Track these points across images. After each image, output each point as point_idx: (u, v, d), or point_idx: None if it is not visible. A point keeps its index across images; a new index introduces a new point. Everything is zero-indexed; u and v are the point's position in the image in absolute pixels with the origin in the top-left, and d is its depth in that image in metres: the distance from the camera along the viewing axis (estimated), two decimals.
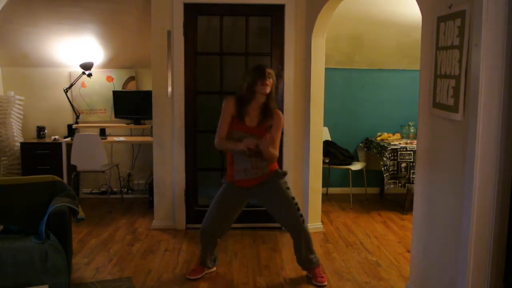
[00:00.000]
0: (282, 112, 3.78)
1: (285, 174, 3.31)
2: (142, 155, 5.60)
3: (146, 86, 5.48)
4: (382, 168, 5.03)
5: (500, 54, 2.21)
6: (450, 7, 2.48)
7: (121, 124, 5.44)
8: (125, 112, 5.39)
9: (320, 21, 4.12)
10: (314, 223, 4.41)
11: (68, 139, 5.20)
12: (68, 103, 5.35)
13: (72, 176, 5.13)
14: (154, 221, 4.51)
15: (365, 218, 4.90)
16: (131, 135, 5.62)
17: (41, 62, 5.38)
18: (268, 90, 3.13)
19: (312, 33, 4.19)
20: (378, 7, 5.01)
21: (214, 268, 3.56)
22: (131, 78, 5.53)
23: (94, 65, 5.29)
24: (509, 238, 2.33)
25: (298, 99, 4.37)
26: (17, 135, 5.29)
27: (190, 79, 4.34)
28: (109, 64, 5.46)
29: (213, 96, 4.45)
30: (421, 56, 2.85)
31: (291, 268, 3.60)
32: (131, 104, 5.37)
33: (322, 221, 4.56)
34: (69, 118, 5.51)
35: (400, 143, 5.08)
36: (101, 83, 5.50)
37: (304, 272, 3.46)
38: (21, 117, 5.35)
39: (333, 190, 5.80)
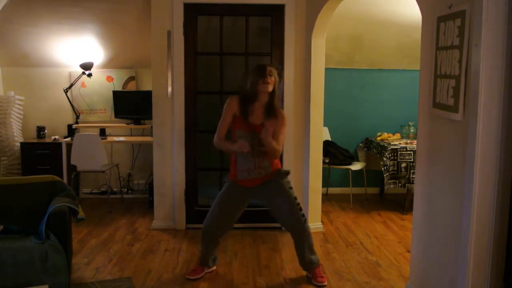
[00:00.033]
0: None
1: (287, 173, 3.30)
2: (142, 155, 5.60)
3: (146, 86, 5.48)
4: (382, 168, 5.03)
5: (500, 54, 2.21)
6: (450, 7, 2.48)
7: (121, 124, 5.44)
8: (125, 112, 5.39)
9: (320, 21, 4.12)
10: (314, 223, 4.41)
11: (68, 139, 5.20)
12: (68, 103, 5.35)
13: (72, 176, 5.13)
14: (154, 221, 4.51)
15: (365, 218, 4.90)
16: (131, 135, 5.62)
17: (41, 62, 5.38)
18: (270, 88, 3.13)
19: (312, 33, 4.19)
20: (378, 7, 5.01)
21: (214, 267, 3.56)
22: (131, 78, 5.53)
23: (94, 65, 5.29)
24: (509, 238, 2.33)
25: (298, 99, 4.37)
26: (17, 135, 5.29)
27: (190, 79, 4.34)
28: (109, 64, 5.46)
29: (213, 96, 4.45)
30: (421, 56, 2.85)
31: (291, 268, 3.60)
32: (131, 104, 5.37)
33: (322, 221, 4.57)
34: (69, 118, 5.51)
35: (400, 143, 5.08)
36: (101, 83, 5.50)
37: (304, 272, 3.46)
38: (21, 117, 5.35)
39: (333, 190, 5.80)
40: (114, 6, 4.78)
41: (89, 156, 4.95)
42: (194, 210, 4.46)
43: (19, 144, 5.22)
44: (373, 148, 5.45)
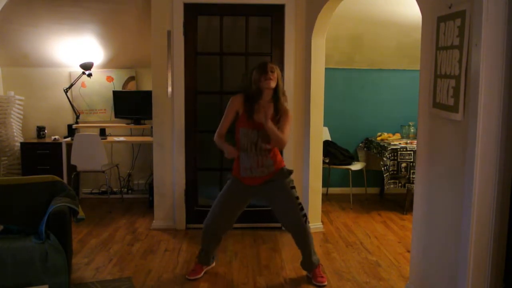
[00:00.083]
0: None
1: (290, 172, 3.30)
2: (142, 155, 5.60)
3: (146, 86, 5.48)
4: (382, 168, 5.03)
5: (500, 54, 2.21)
6: (450, 7, 2.49)
7: (121, 124, 5.44)
8: (125, 112, 5.39)
9: (320, 21, 4.12)
10: (314, 223, 4.41)
11: (68, 139, 5.20)
12: (68, 103, 5.35)
13: (72, 176, 5.13)
14: (154, 221, 4.51)
15: (365, 218, 4.90)
16: (131, 135, 5.62)
17: (41, 62, 5.38)
18: (272, 84, 3.13)
19: (312, 33, 4.19)
20: (378, 7, 5.01)
21: (213, 264, 3.57)
22: (131, 78, 5.53)
23: (94, 65, 5.29)
24: (509, 238, 2.33)
25: (298, 99, 4.37)
26: (17, 135, 5.28)
27: (190, 79, 4.34)
28: (109, 64, 5.46)
29: (213, 96, 4.45)
30: (421, 56, 2.85)
31: (291, 268, 3.60)
32: (131, 104, 5.37)
33: (322, 221, 4.57)
34: (69, 118, 5.51)
35: (400, 143, 5.08)
36: (101, 83, 5.50)
37: (304, 272, 3.46)
38: (21, 117, 5.35)
39: (333, 190, 5.80)
40: (114, 6, 4.78)
41: (89, 156, 4.95)
42: (194, 210, 4.46)
43: (19, 144, 5.22)
44: (373, 148, 5.45)
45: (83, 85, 5.46)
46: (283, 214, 3.29)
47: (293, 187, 3.26)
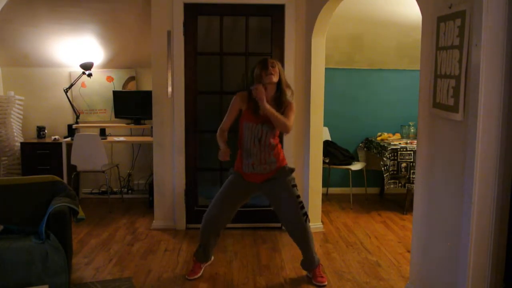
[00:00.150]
0: None
1: (292, 170, 3.30)
2: (142, 155, 5.60)
3: (146, 86, 5.48)
4: (382, 168, 5.03)
5: (500, 54, 2.21)
6: (450, 7, 2.48)
7: (121, 124, 5.44)
8: (125, 112, 5.39)
9: (320, 21, 4.12)
10: (314, 223, 4.40)
11: (68, 139, 5.20)
12: (68, 103, 5.35)
13: (72, 176, 5.13)
14: (154, 221, 4.51)
15: (365, 218, 4.90)
16: (131, 135, 5.62)
17: (41, 62, 5.38)
18: (274, 78, 3.14)
19: (312, 33, 4.19)
20: (378, 7, 5.01)
21: (212, 258, 3.59)
22: (131, 78, 5.53)
23: (94, 65, 5.29)
24: (509, 238, 2.33)
25: (298, 99, 4.37)
26: (17, 135, 5.28)
27: (190, 79, 4.34)
28: (109, 64, 5.46)
29: (213, 96, 4.45)
30: (421, 56, 2.85)
31: (291, 268, 3.60)
32: (131, 104, 5.37)
33: (322, 221, 4.57)
34: (69, 118, 5.51)
35: (400, 143, 5.08)
36: (101, 83, 5.50)
37: (304, 272, 3.46)
38: (21, 117, 5.35)
39: (333, 190, 5.80)
40: (114, 6, 4.78)
41: (89, 156, 4.95)
42: (194, 210, 4.46)
43: (19, 144, 5.22)
44: (373, 148, 5.45)
45: (83, 85, 5.46)
46: (284, 212, 3.29)
47: (295, 186, 3.26)
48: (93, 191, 5.64)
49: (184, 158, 4.40)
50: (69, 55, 5.30)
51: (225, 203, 3.30)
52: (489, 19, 2.18)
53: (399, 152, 4.93)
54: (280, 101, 3.17)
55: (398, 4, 4.95)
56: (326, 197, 5.59)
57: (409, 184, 4.91)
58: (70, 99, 5.34)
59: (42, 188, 3.38)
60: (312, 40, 4.21)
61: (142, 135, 5.58)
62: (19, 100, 5.28)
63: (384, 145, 5.10)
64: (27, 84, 5.46)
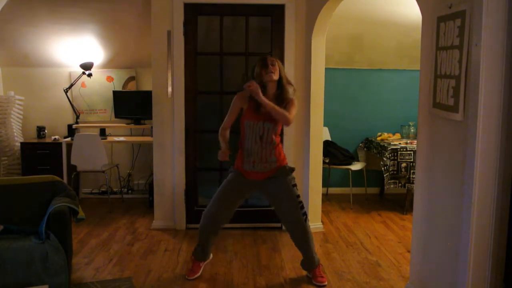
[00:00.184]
0: None
1: (293, 170, 3.30)
2: (142, 155, 5.60)
3: (146, 86, 5.48)
4: (382, 168, 5.03)
5: (500, 54, 2.21)
6: (450, 7, 2.49)
7: (121, 124, 5.44)
8: (125, 112, 5.39)
9: (320, 21, 4.12)
10: (314, 223, 4.40)
11: (68, 139, 5.20)
12: (68, 103, 5.35)
13: (72, 176, 5.13)
14: (154, 221, 4.51)
15: (365, 218, 4.90)
16: (131, 135, 5.62)
17: (41, 62, 5.38)
18: (274, 76, 3.15)
19: (312, 33, 4.19)
20: (378, 7, 5.02)
21: (211, 256, 3.59)
22: (131, 78, 5.53)
23: (94, 65, 5.29)
24: (509, 238, 2.33)
25: (298, 99, 4.35)
26: (17, 135, 5.28)
27: (190, 79, 4.34)
28: (109, 64, 5.46)
29: (213, 96, 4.45)
30: (421, 56, 2.85)
31: (291, 268, 3.60)
32: (131, 104, 5.37)
33: (322, 221, 4.57)
34: (69, 118, 5.51)
35: (400, 143, 5.08)
36: (101, 83, 5.50)
37: (304, 272, 3.46)
38: (21, 117, 5.35)
39: (333, 190, 5.80)
40: (114, 6, 4.78)
41: (89, 156, 4.95)
42: (194, 210, 4.46)
43: (19, 144, 5.22)
44: (373, 148, 5.45)
45: (83, 85, 5.46)
46: (283, 211, 3.30)
47: (295, 185, 3.26)
48: (93, 191, 5.64)
49: (184, 158, 4.40)
50: (69, 55, 5.30)
51: (224, 201, 3.31)
52: (489, 19, 2.18)
53: (399, 152, 4.93)
54: (281, 98, 3.17)
55: (398, 4, 4.95)
56: (326, 197, 5.59)
57: (409, 184, 4.91)
58: (70, 99, 5.34)
59: (42, 188, 3.38)
60: (312, 40, 4.21)
61: (142, 135, 5.58)
62: (19, 100, 5.28)
63: (384, 145, 5.10)
64: (27, 84, 5.46)
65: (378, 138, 5.42)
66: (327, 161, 5.21)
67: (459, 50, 2.39)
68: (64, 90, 5.27)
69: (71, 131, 5.31)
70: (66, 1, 4.68)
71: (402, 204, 5.23)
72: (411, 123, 5.51)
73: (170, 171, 4.44)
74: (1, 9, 4.43)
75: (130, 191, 5.62)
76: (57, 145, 5.16)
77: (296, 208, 3.22)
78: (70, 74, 5.45)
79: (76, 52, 5.26)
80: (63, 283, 2.95)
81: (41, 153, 5.14)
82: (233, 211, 3.39)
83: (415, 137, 5.26)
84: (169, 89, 4.33)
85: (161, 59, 4.29)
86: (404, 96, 5.70)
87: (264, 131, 3.15)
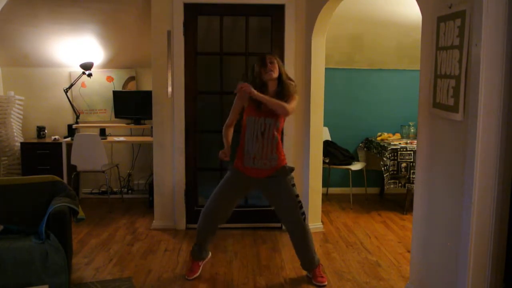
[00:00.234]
0: None
1: (292, 170, 3.31)
2: (142, 155, 5.60)
3: (146, 86, 5.48)
4: (382, 168, 5.03)
5: (500, 54, 2.21)
6: (450, 7, 2.49)
7: (121, 124, 5.44)
8: (125, 112, 5.39)
9: (320, 21, 4.12)
10: (314, 223, 4.41)
11: (68, 139, 5.20)
12: (68, 103, 5.35)
13: (72, 176, 5.13)
14: (154, 221, 4.51)
15: (365, 218, 4.90)
16: (131, 135, 5.62)
17: (41, 62, 5.38)
18: (274, 75, 3.17)
19: (312, 33, 4.19)
20: (378, 7, 5.02)
21: (209, 255, 3.60)
22: (131, 78, 5.53)
23: (94, 65, 5.29)
24: (509, 238, 2.33)
25: (298, 99, 4.36)
26: (17, 135, 5.28)
27: (190, 79, 4.34)
28: (109, 64, 5.46)
29: (213, 96, 4.45)
30: (421, 56, 2.85)
31: (291, 268, 3.60)
32: (131, 104, 5.37)
33: (322, 221, 4.56)
34: (69, 118, 5.51)
35: (400, 143, 5.08)
36: (101, 83, 5.50)
37: (304, 272, 3.46)
38: (21, 117, 5.35)
39: (333, 190, 5.80)
40: (114, 6, 4.78)
41: (89, 156, 4.95)
42: (194, 210, 4.46)
43: (19, 144, 5.22)
44: (373, 148, 5.45)
45: (83, 85, 5.46)
46: (283, 211, 3.31)
47: (294, 185, 3.27)
48: (93, 191, 5.64)
49: (184, 158, 4.40)
50: (69, 55, 5.30)
51: (222, 200, 3.31)
52: (489, 19, 2.18)
53: (399, 152, 4.93)
54: (282, 94, 3.17)
55: (398, 4, 4.95)
56: (326, 197, 5.59)
57: (409, 184, 4.91)
58: (70, 99, 5.34)
59: (42, 188, 3.38)
60: (312, 40, 4.21)
61: (142, 135, 5.58)
62: (19, 100, 5.28)
63: (384, 145, 5.10)
64: (27, 84, 5.46)
65: (378, 138, 5.42)
66: (327, 161, 5.21)
67: (459, 50, 2.40)
68: (64, 90, 5.27)
69: (71, 131, 5.31)
70: (66, 1, 4.68)
71: (402, 204, 5.23)
72: (411, 123, 5.51)
73: (170, 171, 4.44)
74: (1, 9, 4.43)
75: (130, 191, 5.62)
76: (57, 145, 5.16)
77: (295, 207, 3.23)
78: (70, 74, 5.45)
79: (76, 52, 5.26)
80: (63, 283, 2.95)
81: (41, 153, 5.14)
82: (231, 209, 3.39)
83: (415, 137, 5.26)
84: (169, 89, 4.33)
85: (161, 59, 4.29)
86: (404, 96, 5.70)
87: (265, 127, 3.15)
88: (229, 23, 4.49)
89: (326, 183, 5.51)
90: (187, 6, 4.25)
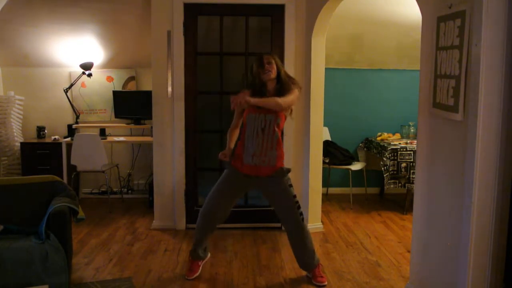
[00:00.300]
0: None
1: (289, 171, 3.31)
2: (142, 155, 5.60)
3: (146, 86, 5.48)
4: (382, 168, 5.03)
5: (500, 54, 2.21)
6: (450, 7, 2.49)
7: (121, 124, 5.44)
8: (125, 112, 5.39)
9: (320, 21, 4.12)
10: (314, 223, 4.41)
11: (68, 139, 5.20)
12: (68, 103, 5.35)
13: (72, 176, 5.13)
14: (154, 221, 4.51)
15: (365, 218, 4.90)
16: (131, 135, 5.62)
17: (41, 62, 5.38)
18: (272, 75, 3.18)
19: (312, 33, 4.19)
20: (378, 7, 5.01)
21: (209, 255, 3.60)
22: (131, 78, 5.53)
23: (94, 65, 5.29)
24: (509, 238, 2.33)
25: (298, 99, 4.36)
26: (17, 135, 5.28)
27: (190, 79, 4.34)
28: (109, 64, 5.46)
29: (213, 96, 4.45)
30: (421, 56, 2.85)
31: (291, 268, 3.60)
32: (131, 104, 5.37)
33: (322, 221, 4.56)
34: (69, 118, 5.51)
35: (400, 143, 5.08)
36: (101, 83, 5.50)
37: (304, 272, 3.46)
38: (21, 117, 5.35)
39: (333, 190, 5.80)
40: (114, 6, 4.78)
41: (89, 156, 4.95)
42: (194, 210, 4.46)
43: (19, 144, 5.22)
44: (373, 148, 5.45)
45: (83, 85, 5.46)
46: (282, 211, 3.31)
47: (291, 185, 3.28)
48: (93, 191, 5.64)
49: (184, 158, 4.40)
50: (69, 55, 5.30)
51: (221, 198, 3.32)
52: (489, 19, 2.18)
53: (399, 152, 4.93)
54: (282, 91, 3.17)
55: (398, 4, 4.95)
56: (326, 197, 5.59)
57: (409, 184, 4.91)
58: (70, 99, 5.34)
59: (42, 188, 3.38)
60: (312, 40, 4.21)
61: (142, 135, 5.58)
62: (19, 100, 5.28)
63: (384, 145, 5.10)
64: (27, 84, 5.46)
65: (378, 138, 5.42)
66: (327, 161, 5.21)
67: (459, 50, 2.40)
68: (64, 90, 5.27)
69: (71, 131, 5.31)
70: (66, 1, 4.68)
71: (402, 204, 5.23)
72: (411, 123, 5.51)
73: (170, 171, 4.44)
74: (1, 9, 4.42)
75: (130, 191, 5.62)
76: (57, 145, 5.16)
77: (293, 208, 3.24)
78: (70, 74, 5.44)
79: (76, 52, 5.26)
80: (63, 283, 2.95)
81: (41, 153, 5.14)
82: (230, 209, 3.40)
83: (415, 137, 5.26)
84: (169, 89, 4.33)
85: (161, 59, 4.29)
86: (404, 96, 5.70)
87: (266, 123, 3.15)
88: (229, 23, 4.49)
89: (326, 183, 5.51)
90: (187, 6, 4.25)
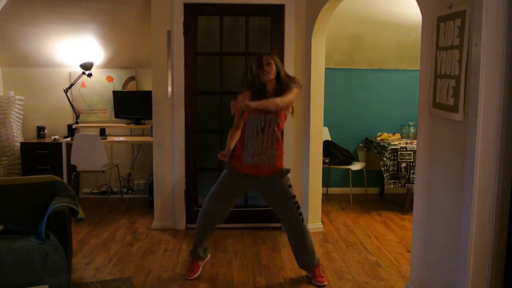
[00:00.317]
0: None
1: (288, 171, 3.31)
2: (142, 155, 5.60)
3: (146, 86, 5.48)
4: (382, 168, 5.03)
5: (500, 54, 2.21)
6: (450, 7, 2.49)
7: (121, 124, 5.44)
8: (125, 112, 5.39)
9: (320, 21, 4.12)
10: (314, 223, 4.41)
11: (68, 139, 5.20)
12: (68, 103, 5.35)
13: (72, 176, 5.13)
14: (154, 221, 4.51)
15: (365, 218, 4.90)
16: (131, 135, 5.62)
17: (41, 62, 5.38)
18: (271, 76, 3.18)
19: (312, 33, 4.19)
20: (378, 7, 5.02)
21: (209, 255, 3.60)
22: (131, 78, 5.53)
23: (94, 65, 5.29)
24: (509, 238, 2.33)
25: (298, 99, 4.36)
26: (17, 135, 5.28)
27: (190, 79, 4.34)
28: (109, 64, 5.46)
29: (213, 96, 4.45)
30: (421, 56, 2.85)
31: (291, 268, 3.60)
32: (131, 104, 5.37)
33: (322, 221, 4.56)
34: (69, 118, 5.51)
35: (400, 143, 5.08)
36: (101, 83, 5.50)
37: (304, 272, 3.46)
38: (21, 117, 5.35)
39: (333, 190, 5.80)
40: (114, 6, 4.78)
41: (89, 156, 4.95)
42: (194, 210, 4.46)
43: (19, 144, 5.22)
44: (373, 148, 5.45)
45: (83, 85, 5.46)
46: (282, 212, 3.31)
47: (290, 186, 3.28)
48: (93, 191, 5.64)
49: (184, 158, 4.40)
50: (69, 55, 5.30)
51: (220, 198, 3.32)
52: (489, 19, 2.19)
53: (399, 152, 4.93)
54: (281, 91, 3.17)
55: (398, 4, 4.95)
56: (326, 197, 5.59)
57: (409, 184, 4.91)
58: (70, 99, 5.34)
59: (42, 188, 3.38)
60: (312, 40, 4.21)
61: (142, 135, 5.58)
62: (19, 100, 5.28)
63: (384, 145, 5.10)
64: (27, 84, 5.46)
65: (378, 138, 5.42)
66: (327, 161, 5.21)
67: (459, 50, 2.40)
68: (64, 90, 5.27)
69: (71, 131, 5.31)
70: (66, 1, 4.68)
71: (402, 204, 5.23)
72: (411, 123, 5.51)
73: (170, 171, 4.44)
74: (1, 9, 4.43)
75: (130, 191, 5.62)
76: (57, 145, 5.16)
77: (292, 208, 3.24)
78: (70, 74, 5.45)
79: (76, 52, 5.26)
80: (63, 283, 2.95)
81: (41, 153, 5.13)
82: (229, 209, 3.40)
83: (415, 137, 5.26)
84: (169, 89, 4.33)
85: (161, 59, 4.29)
86: (404, 96, 5.70)
87: (265, 122, 3.15)
88: (229, 23, 4.49)
89: (326, 183, 5.51)
90: (187, 6, 4.25)
